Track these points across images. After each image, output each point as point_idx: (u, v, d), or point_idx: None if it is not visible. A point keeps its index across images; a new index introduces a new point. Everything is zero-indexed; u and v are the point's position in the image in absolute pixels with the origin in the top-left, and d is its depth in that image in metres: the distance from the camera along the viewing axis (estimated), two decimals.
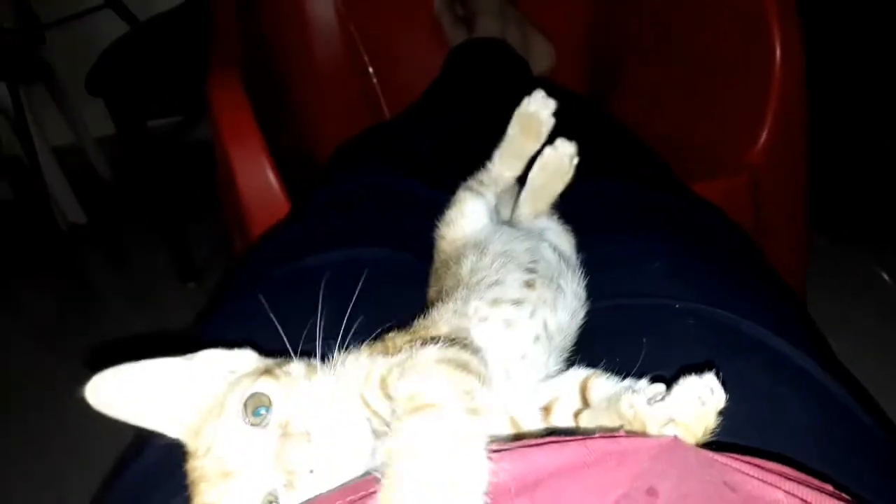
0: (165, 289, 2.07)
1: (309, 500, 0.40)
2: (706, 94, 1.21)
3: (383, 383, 0.43)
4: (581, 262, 0.68)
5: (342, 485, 0.41)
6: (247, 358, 0.49)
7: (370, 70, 1.63)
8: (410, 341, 0.47)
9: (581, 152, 0.70)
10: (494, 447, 0.36)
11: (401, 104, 1.39)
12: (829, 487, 0.37)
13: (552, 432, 0.44)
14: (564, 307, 0.58)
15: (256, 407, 0.43)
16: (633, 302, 0.64)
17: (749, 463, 0.35)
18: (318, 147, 1.47)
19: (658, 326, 0.60)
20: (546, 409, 0.48)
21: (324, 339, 0.52)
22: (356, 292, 0.57)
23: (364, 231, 0.83)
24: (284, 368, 0.46)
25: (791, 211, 1.18)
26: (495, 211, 0.72)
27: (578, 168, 0.70)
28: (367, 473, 0.40)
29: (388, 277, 0.72)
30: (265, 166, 1.01)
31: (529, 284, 0.57)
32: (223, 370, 0.48)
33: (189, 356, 0.48)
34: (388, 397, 0.42)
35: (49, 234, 2.28)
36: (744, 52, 1.11)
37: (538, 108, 0.70)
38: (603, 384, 0.46)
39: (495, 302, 0.55)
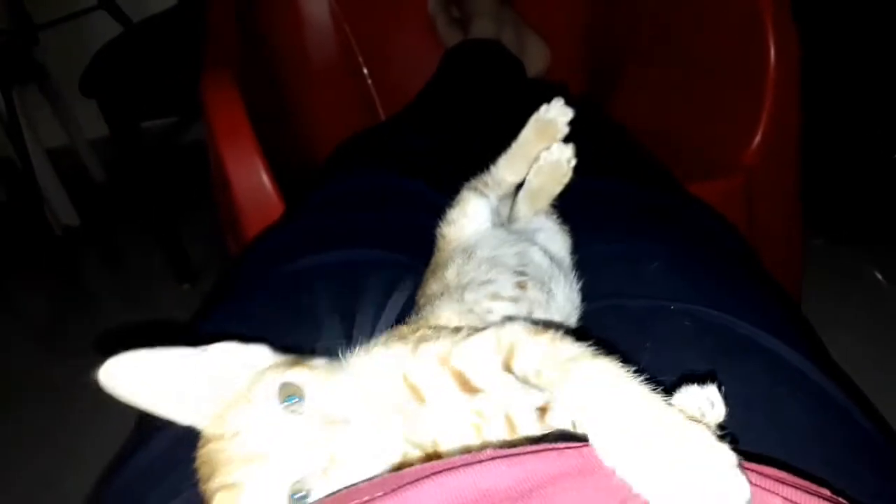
0: (160, 290, 2.07)
1: (339, 490, 0.41)
2: (702, 96, 1.21)
3: (444, 361, 0.44)
4: (578, 262, 0.68)
5: (369, 477, 0.41)
6: (262, 353, 0.49)
7: (365, 71, 1.63)
8: (435, 332, 0.48)
9: (579, 152, 0.70)
10: (491, 454, 0.36)
11: (395, 105, 1.39)
12: (826, 492, 0.37)
13: (547, 438, 0.43)
14: (557, 310, 0.58)
15: (288, 395, 0.44)
16: (629, 303, 0.64)
17: (746, 468, 0.35)
18: (313, 148, 1.47)
19: (654, 327, 0.60)
20: (542, 410, 0.48)
21: (326, 339, 0.52)
22: (355, 292, 0.57)
23: (360, 232, 0.82)
24: (309, 362, 0.47)
25: (786, 211, 1.18)
26: (496, 213, 0.72)
27: (576, 168, 0.70)
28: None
29: (383, 278, 0.72)
30: (259, 167, 1.01)
31: (521, 286, 0.58)
32: (238, 364, 0.48)
33: (203, 348, 0.48)
34: (456, 374, 0.44)
35: (43, 236, 2.27)
36: (739, 54, 1.11)
37: (557, 115, 0.71)
38: None
39: (495, 296, 0.56)
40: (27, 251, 2.38)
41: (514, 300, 0.56)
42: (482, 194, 0.71)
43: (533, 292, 0.57)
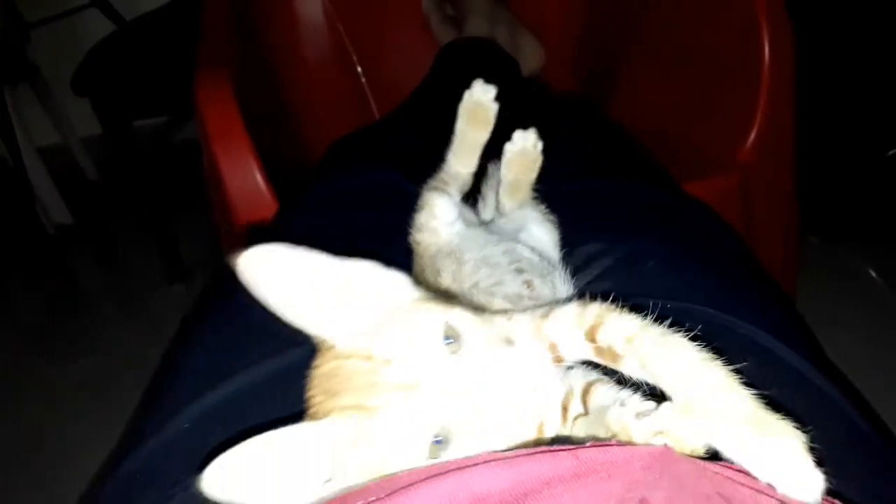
0: (154, 288, 2.06)
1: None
2: (698, 94, 1.21)
3: (592, 330, 0.45)
4: (575, 262, 0.67)
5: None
6: (402, 283, 0.47)
7: (358, 69, 1.63)
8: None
9: (576, 152, 0.69)
10: (485, 457, 0.35)
11: (389, 103, 1.38)
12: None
13: (542, 441, 0.43)
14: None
15: (447, 337, 0.42)
16: (626, 302, 0.64)
17: (741, 471, 0.35)
18: (307, 146, 1.47)
19: None
20: (564, 409, 0.47)
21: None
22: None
23: (356, 230, 0.82)
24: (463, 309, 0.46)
25: (782, 210, 1.18)
26: (461, 208, 0.71)
27: (573, 167, 0.70)
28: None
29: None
30: (252, 166, 1.01)
31: (528, 284, 0.57)
32: (374, 286, 0.45)
33: (342, 259, 0.45)
34: (594, 340, 0.44)
35: (35, 235, 2.26)
36: (734, 52, 1.11)
37: (481, 95, 0.69)
38: (604, 392, 0.45)
39: (506, 297, 0.55)
40: (20, 250, 2.37)
41: (525, 298, 0.55)
42: (443, 192, 0.69)
43: (540, 290, 0.57)
